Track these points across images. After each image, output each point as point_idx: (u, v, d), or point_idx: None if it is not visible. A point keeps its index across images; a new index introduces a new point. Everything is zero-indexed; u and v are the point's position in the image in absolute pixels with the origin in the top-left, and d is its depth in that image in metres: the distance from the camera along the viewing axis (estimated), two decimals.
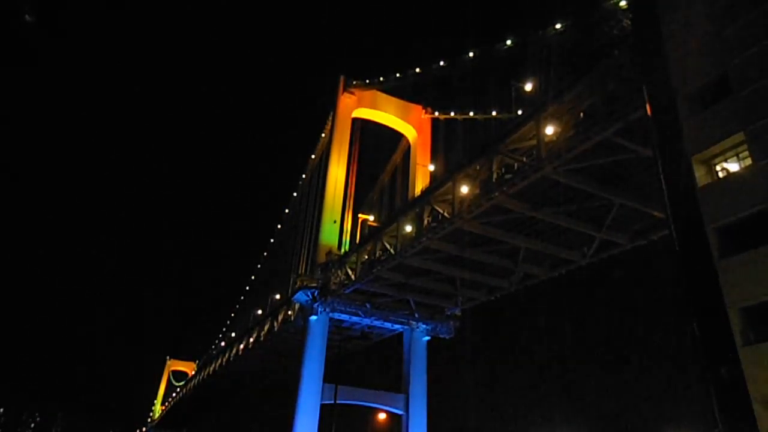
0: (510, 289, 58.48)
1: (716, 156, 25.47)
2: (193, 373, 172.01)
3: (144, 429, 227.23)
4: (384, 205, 75.53)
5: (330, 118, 78.50)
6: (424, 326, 69.46)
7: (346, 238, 72.21)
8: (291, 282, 78.56)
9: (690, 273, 25.13)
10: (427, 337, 70.29)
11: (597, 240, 46.49)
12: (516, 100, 46.66)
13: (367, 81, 76.84)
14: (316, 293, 65.82)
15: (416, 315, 67.74)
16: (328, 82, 79.51)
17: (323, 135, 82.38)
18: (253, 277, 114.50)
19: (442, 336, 70.12)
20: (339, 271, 64.84)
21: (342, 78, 77.14)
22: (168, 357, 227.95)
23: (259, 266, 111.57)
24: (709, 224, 24.13)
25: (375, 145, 79.53)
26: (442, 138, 70.35)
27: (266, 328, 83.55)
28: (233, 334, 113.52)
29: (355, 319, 67.78)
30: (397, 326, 70.06)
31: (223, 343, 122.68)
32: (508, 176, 41.04)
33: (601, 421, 76.02)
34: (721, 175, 25.36)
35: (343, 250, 68.96)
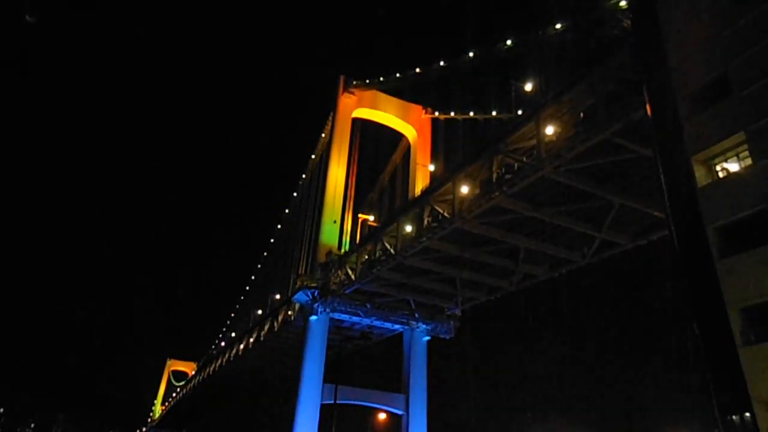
0: (510, 289, 58.47)
1: (716, 156, 25.47)
2: (193, 373, 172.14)
3: (144, 429, 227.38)
4: (384, 205, 75.58)
5: (330, 118, 78.55)
6: (424, 326, 69.49)
7: (346, 238, 72.23)
8: (291, 282, 78.62)
9: (690, 273, 25.12)
10: (427, 337, 70.32)
11: (597, 240, 46.47)
12: (516, 100, 46.59)
13: (367, 81, 76.85)
14: (316, 293, 65.82)
15: (416, 315, 67.77)
16: (329, 83, 79.71)
17: (323, 135, 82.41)
18: (253, 277, 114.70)
19: (442, 336, 70.15)
20: (339, 271, 64.84)
21: (342, 78, 77.21)
22: (168, 357, 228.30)
23: (259, 266, 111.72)
24: (709, 224, 24.13)
25: (375, 145, 79.68)
26: (442, 138, 70.44)
27: (266, 328, 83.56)
28: (233, 334, 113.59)
29: (355, 319, 67.81)
30: (397, 326, 70.08)
31: (223, 343, 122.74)
32: (508, 176, 41.01)
33: (600, 420, 76.03)
34: (721, 175, 25.35)
35: (343, 250, 68.97)
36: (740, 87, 24.10)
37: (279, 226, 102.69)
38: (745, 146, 24.12)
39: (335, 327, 68.50)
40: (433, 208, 49.59)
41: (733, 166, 25.04)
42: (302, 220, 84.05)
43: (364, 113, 78.07)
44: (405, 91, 75.99)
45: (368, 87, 76.99)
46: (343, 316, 66.77)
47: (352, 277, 61.75)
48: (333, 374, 64.56)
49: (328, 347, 65.92)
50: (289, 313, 73.76)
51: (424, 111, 77.27)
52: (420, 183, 71.35)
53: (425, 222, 50.36)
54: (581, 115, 35.30)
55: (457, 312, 68.90)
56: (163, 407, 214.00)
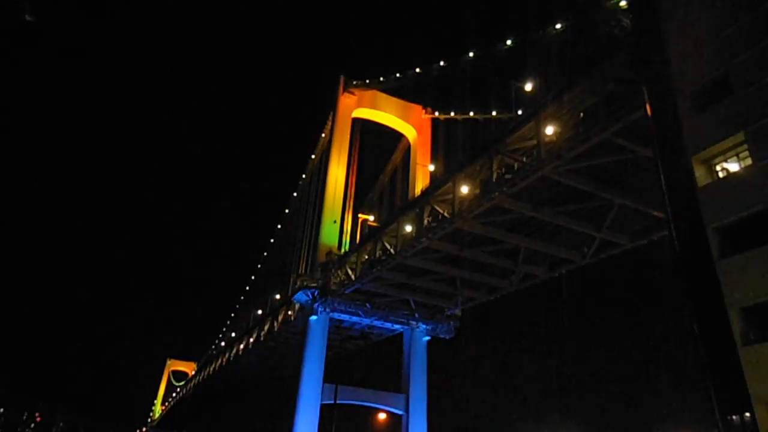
0: (510, 289, 58.45)
1: (716, 156, 25.42)
2: (193, 373, 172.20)
3: (144, 429, 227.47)
4: (384, 205, 75.55)
5: (330, 118, 78.53)
6: (424, 326, 69.48)
7: (346, 238, 72.21)
8: (291, 282, 78.55)
9: (690, 273, 25.10)
10: (427, 337, 70.30)
11: (597, 240, 46.45)
12: (516, 100, 46.60)
13: (367, 81, 76.82)
14: (316, 293, 65.79)
15: (416, 315, 67.76)
16: (329, 83, 79.73)
17: (323, 135, 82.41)
18: (253, 277, 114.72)
19: (442, 336, 70.11)
20: (339, 271, 64.82)
21: (342, 78, 77.17)
22: (168, 357, 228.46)
23: (259, 266, 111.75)
24: (709, 224, 24.10)
25: (375, 145, 79.59)
26: (442, 138, 70.33)
27: (266, 328, 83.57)
28: (233, 334, 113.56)
29: (355, 319, 67.79)
30: (397, 326, 70.07)
31: (223, 343, 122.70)
32: (508, 176, 41.01)
33: (600, 421, 76.03)
34: (721, 175, 25.31)
35: (343, 250, 68.96)
36: (740, 87, 24.08)
37: (279, 226, 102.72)
38: (745, 146, 24.09)
39: (335, 327, 68.48)
40: (433, 208, 49.57)
41: (733, 166, 25.00)
42: (302, 220, 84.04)
43: (364, 113, 78.04)
44: (405, 91, 75.94)
45: (368, 87, 76.96)
46: (343, 316, 66.75)
47: (352, 277, 61.73)
48: (333, 374, 64.55)
49: (328, 347, 65.90)
50: (289, 313, 73.75)
51: (424, 111, 77.24)
52: (420, 183, 71.32)
53: (425, 222, 50.34)
54: (581, 114, 35.27)
55: (457, 312, 68.87)
56: (163, 407, 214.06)
